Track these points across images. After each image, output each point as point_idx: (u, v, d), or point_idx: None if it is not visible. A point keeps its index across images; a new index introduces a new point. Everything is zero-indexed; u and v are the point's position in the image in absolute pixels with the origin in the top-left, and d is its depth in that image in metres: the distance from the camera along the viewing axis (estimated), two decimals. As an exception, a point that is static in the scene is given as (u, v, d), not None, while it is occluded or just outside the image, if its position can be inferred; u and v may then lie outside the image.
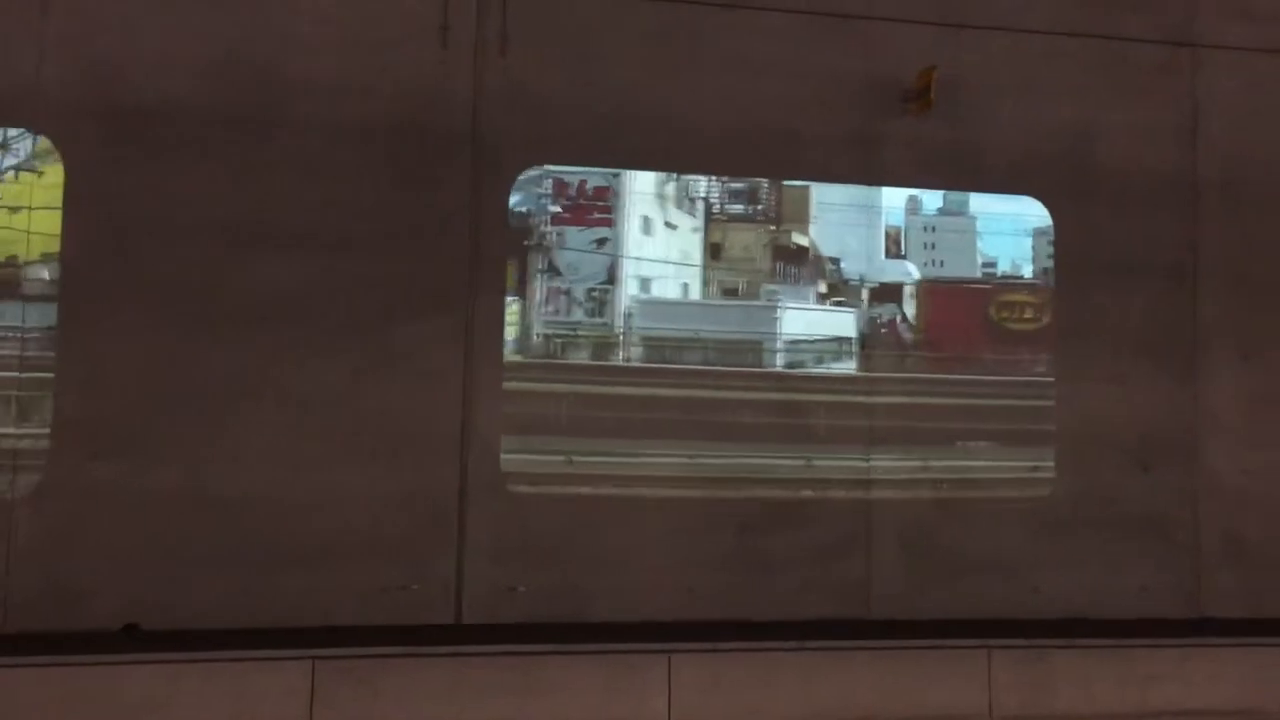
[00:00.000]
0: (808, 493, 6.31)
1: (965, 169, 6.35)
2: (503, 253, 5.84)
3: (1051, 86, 6.23)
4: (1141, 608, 6.03)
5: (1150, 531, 6.09)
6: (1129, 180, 6.20)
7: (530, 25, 5.75)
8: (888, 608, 5.91)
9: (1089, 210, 6.21)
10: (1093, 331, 6.18)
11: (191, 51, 5.47)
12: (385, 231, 5.57)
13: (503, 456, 5.70)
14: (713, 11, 5.98)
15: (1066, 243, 6.35)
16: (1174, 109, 6.27)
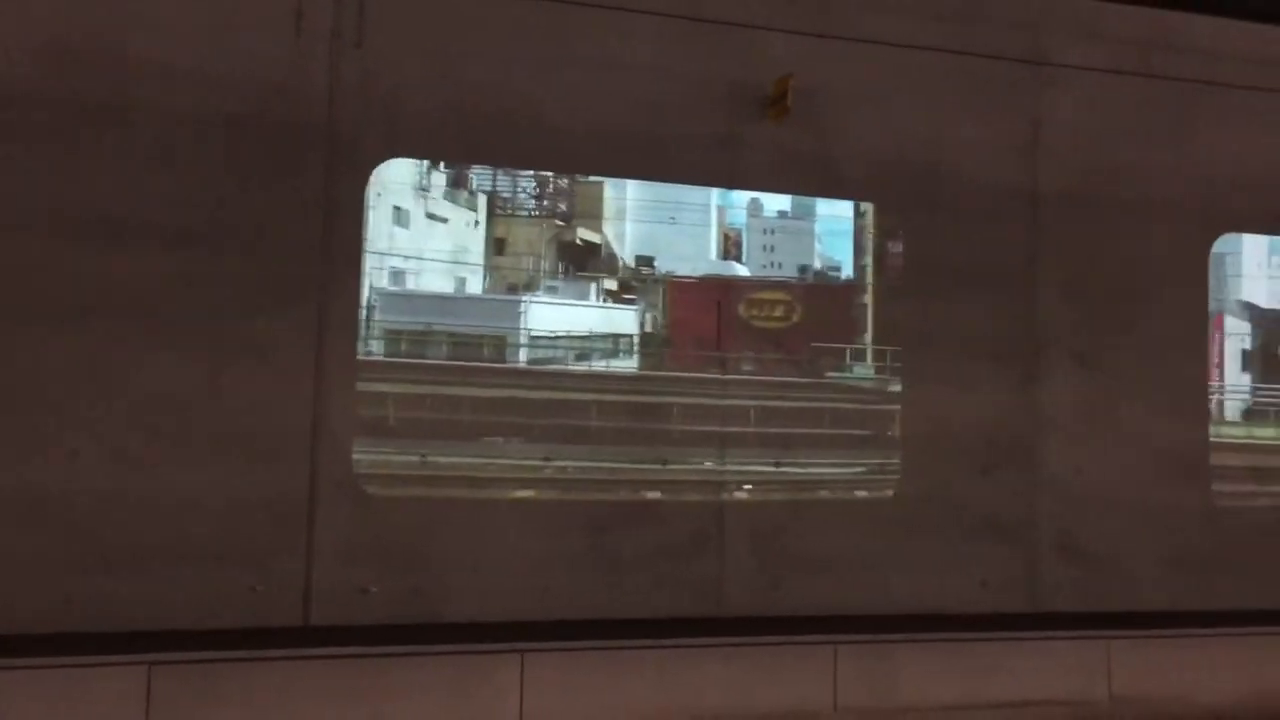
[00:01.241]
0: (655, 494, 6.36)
1: (822, 175, 6.48)
2: (358, 248, 5.73)
3: (905, 98, 6.39)
4: (982, 603, 6.23)
5: (991, 530, 6.30)
6: (975, 191, 6.40)
7: (388, 16, 5.64)
8: (739, 605, 6.00)
9: (936, 219, 6.40)
10: (938, 337, 6.37)
11: (25, 30, 5.21)
12: (233, 224, 5.40)
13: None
14: (579, 10, 5.96)
15: (915, 251, 6.54)
16: (1018, 124, 6.49)
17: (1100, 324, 6.53)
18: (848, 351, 27.43)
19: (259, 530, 5.33)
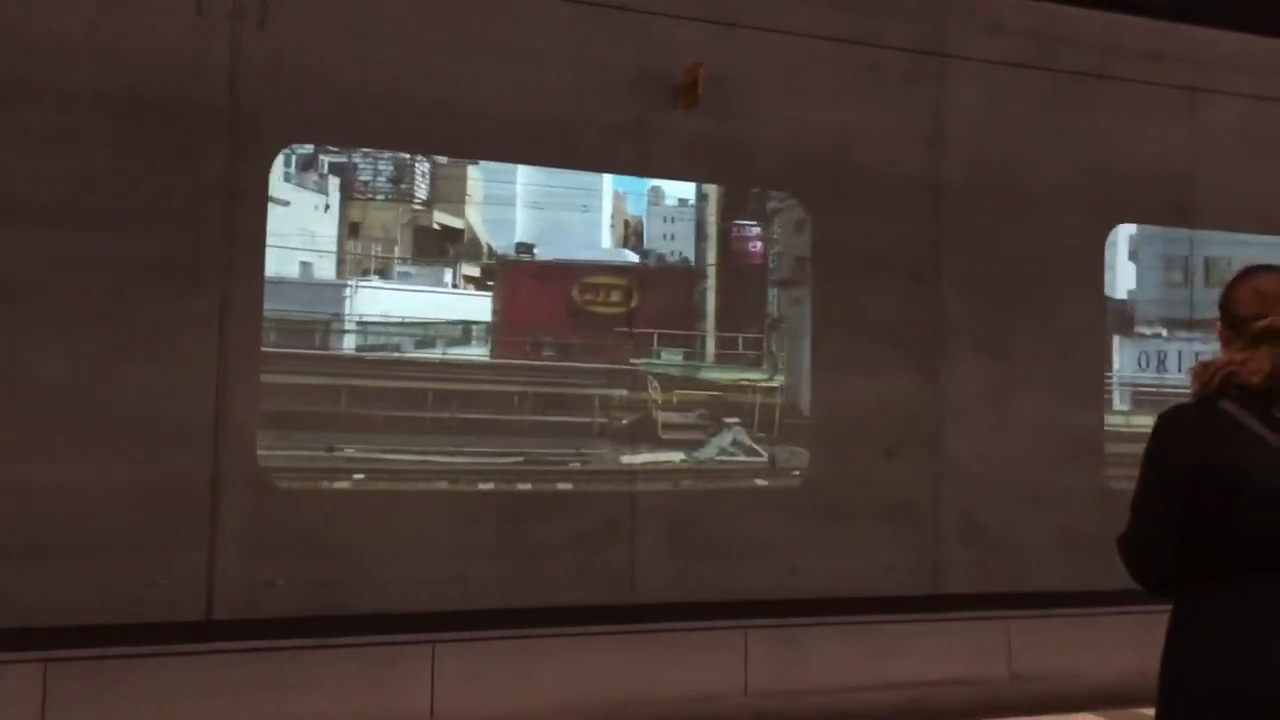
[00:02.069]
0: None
1: (732, 164, 6.53)
2: (261, 233, 5.61)
3: (813, 88, 6.46)
4: (887, 586, 6.36)
5: (896, 515, 6.43)
6: (881, 182, 6.51)
7: (293, -3, 5.54)
8: (652, 592, 6.03)
9: (844, 209, 6.49)
10: (845, 324, 6.47)
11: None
12: (133, 207, 5.24)
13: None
14: (493, -5, 5.93)
15: (823, 239, 6.63)
16: (923, 115, 6.61)
17: (1001, 312, 6.69)
18: (655, 337, 27.19)
19: (160, 523, 5.20)
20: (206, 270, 5.34)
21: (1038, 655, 6.33)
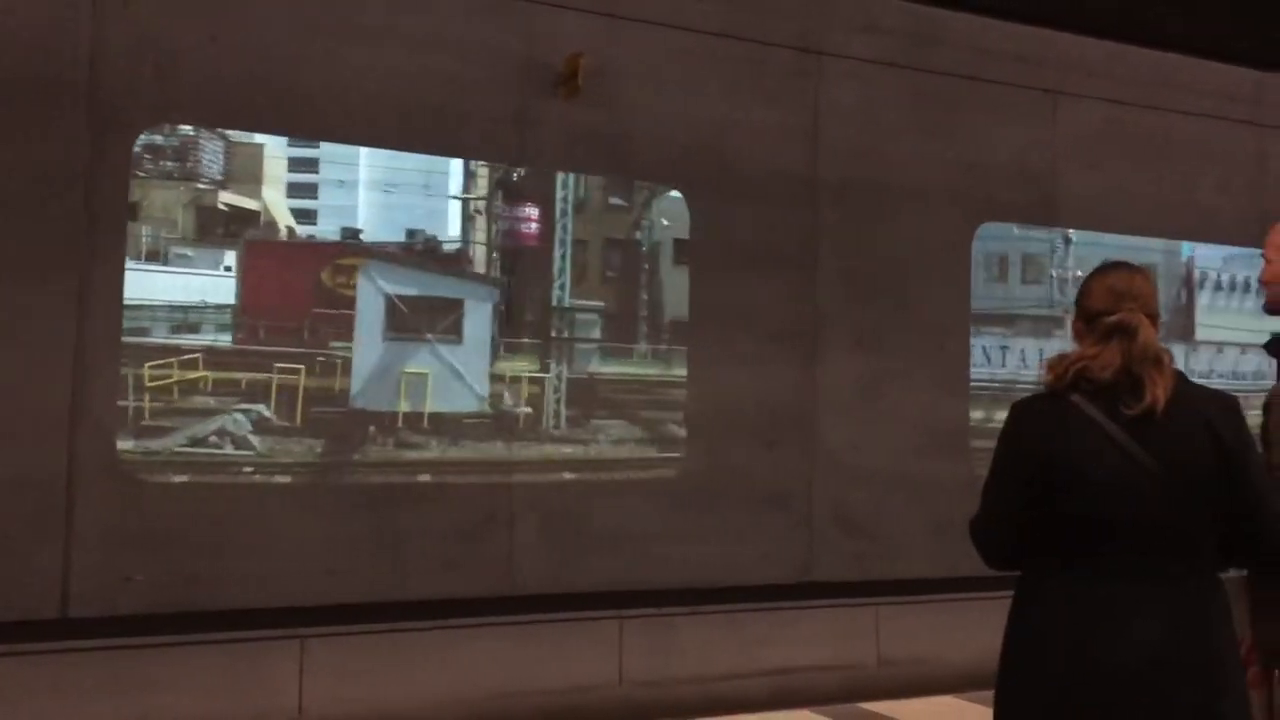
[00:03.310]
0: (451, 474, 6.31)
1: (615, 156, 6.53)
2: (123, 218, 5.42)
3: (695, 82, 6.50)
4: (761, 575, 6.45)
5: (771, 504, 6.52)
6: (760, 177, 6.59)
7: (158, -25, 5.35)
8: (529, 583, 6.01)
9: (724, 202, 6.55)
10: (723, 317, 6.54)
11: None
12: (-13, 188, 5.01)
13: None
14: (368, -21, 5.81)
15: (702, 232, 6.68)
16: (801, 112, 6.71)
17: (875, 306, 6.83)
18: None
19: (11, 518, 4.98)
20: (65, 255, 5.12)
21: (905, 640, 6.51)
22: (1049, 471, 2.65)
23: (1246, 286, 18.63)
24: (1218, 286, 19.70)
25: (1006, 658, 2.78)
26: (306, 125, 6.31)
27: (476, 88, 6.01)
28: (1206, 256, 17.96)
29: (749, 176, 6.58)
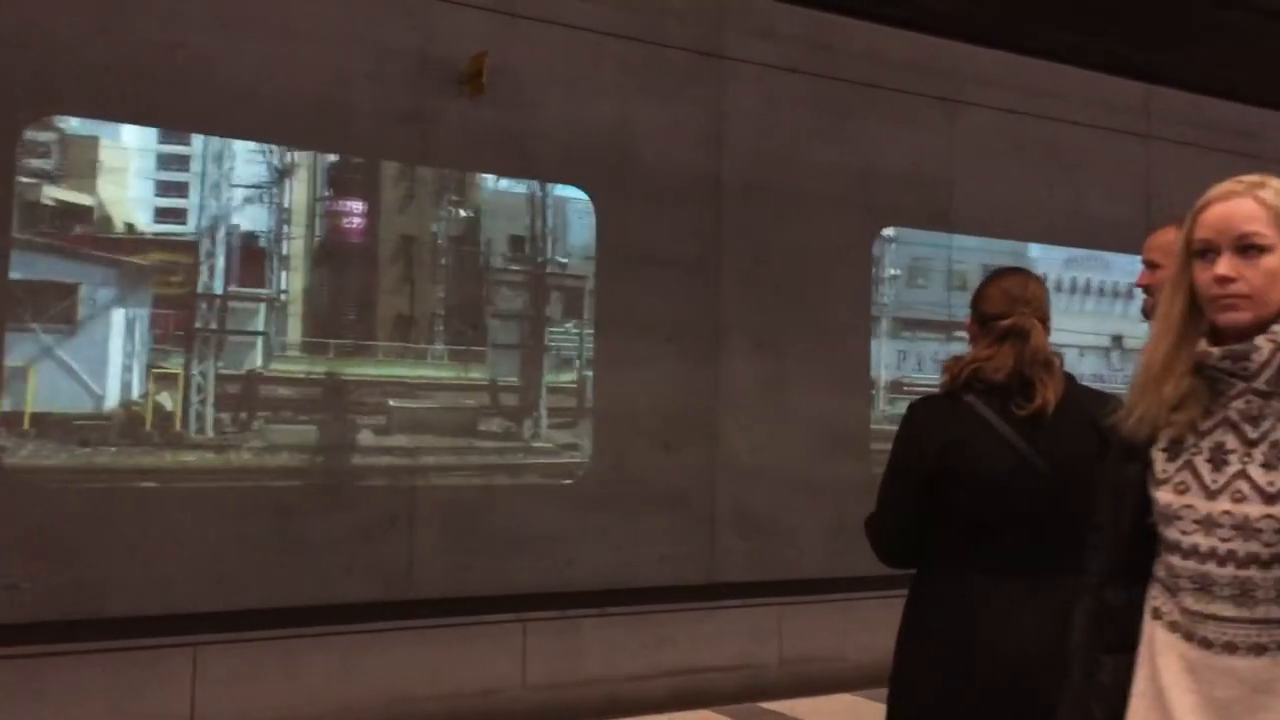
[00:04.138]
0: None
1: (517, 155, 6.48)
2: (8, 211, 5.22)
3: (598, 83, 6.50)
4: (664, 576, 6.47)
5: (673, 506, 6.55)
6: (663, 179, 6.61)
7: (41, -38, 5.16)
8: (430, 587, 5.95)
9: (627, 204, 6.56)
10: (627, 319, 6.54)
11: None
12: None
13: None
14: (262, -29, 5.68)
15: (606, 234, 6.68)
16: (703, 115, 6.76)
17: (776, 309, 6.91)
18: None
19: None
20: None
21: (806, 639, 6.59)
22: (944, 470, 2.72)
23: (1087, 288, 18.91)
24: (1058, 289, 20.14)
25: (901, 652, 2.85)
26: (192, 119, 6.16)
27: (371, 84, 5.93)
28: (1048, 259, 18.19)
29: (653, 178, 6.60)
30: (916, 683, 2.78)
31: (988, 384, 2.75)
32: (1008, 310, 2.82)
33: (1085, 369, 17.67)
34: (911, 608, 2.85)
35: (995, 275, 2.96)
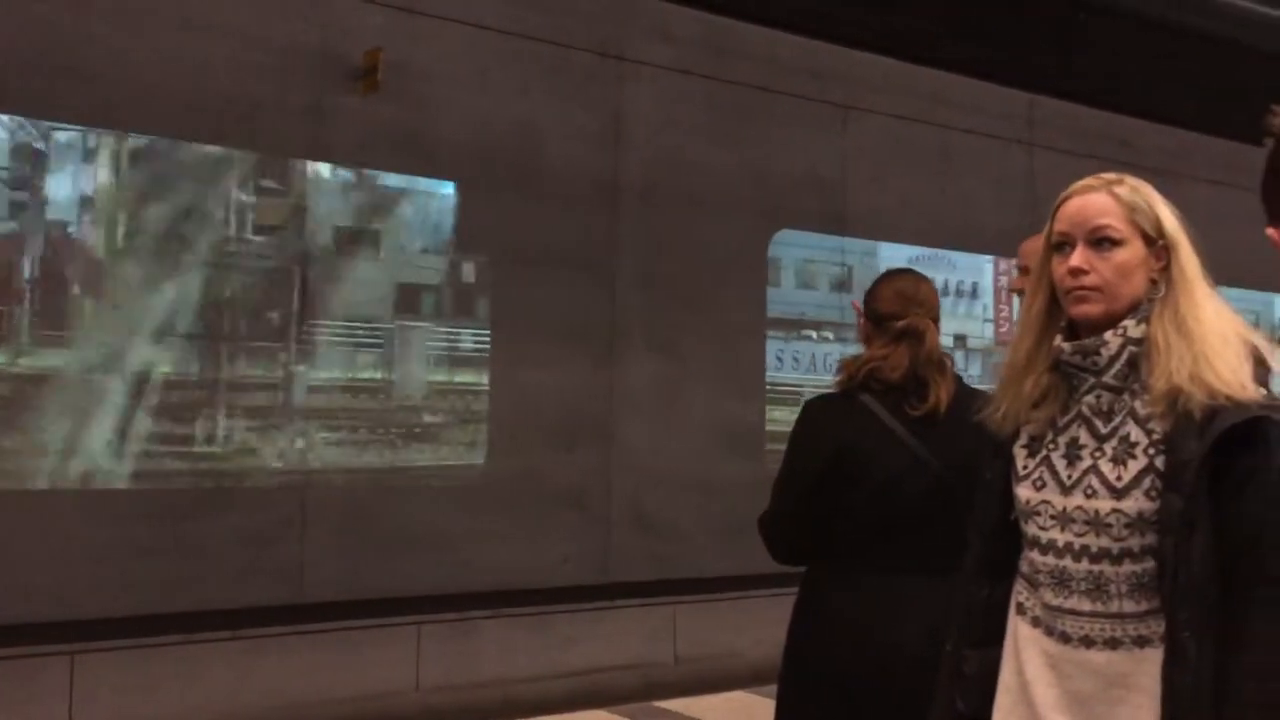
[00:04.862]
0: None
1: (414, 154, 6.42)
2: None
3: (498, 82, 6.46)
4: (563, 576, 6.47)
5: (572, 506, 6.55)
6: (561, 179, 6.61)
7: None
8: (323, 590, 5.85)
9: (525, 204, 6.54)
10: (525, 320, 6.52)
11: None
12: None
13: None
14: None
15: (504, 233, 6.65)
16: (603, 116, 6.77)
17: (673, 310, 6.95)
18: None
19: None
20: None
21: (702, 638, 6.65)
22: (839, 470, 2.76)
23: (942, 290, 19.05)
24: None
25: (794, 648, 2.88)
26: (84, 112, 5.97)
27: (266, 79, 5.81)
28: (891, 258, 18.09)
29: (551, 178, 6.59)
30: (806, 681, 2.82)
31: (884, 383, 2.80)
32: (902, 311, 2.86)
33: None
34: (802, 606, 2.88)
35: (887, 276, 3.01)
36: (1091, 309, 1.95)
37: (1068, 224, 1.99)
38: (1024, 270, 3.11)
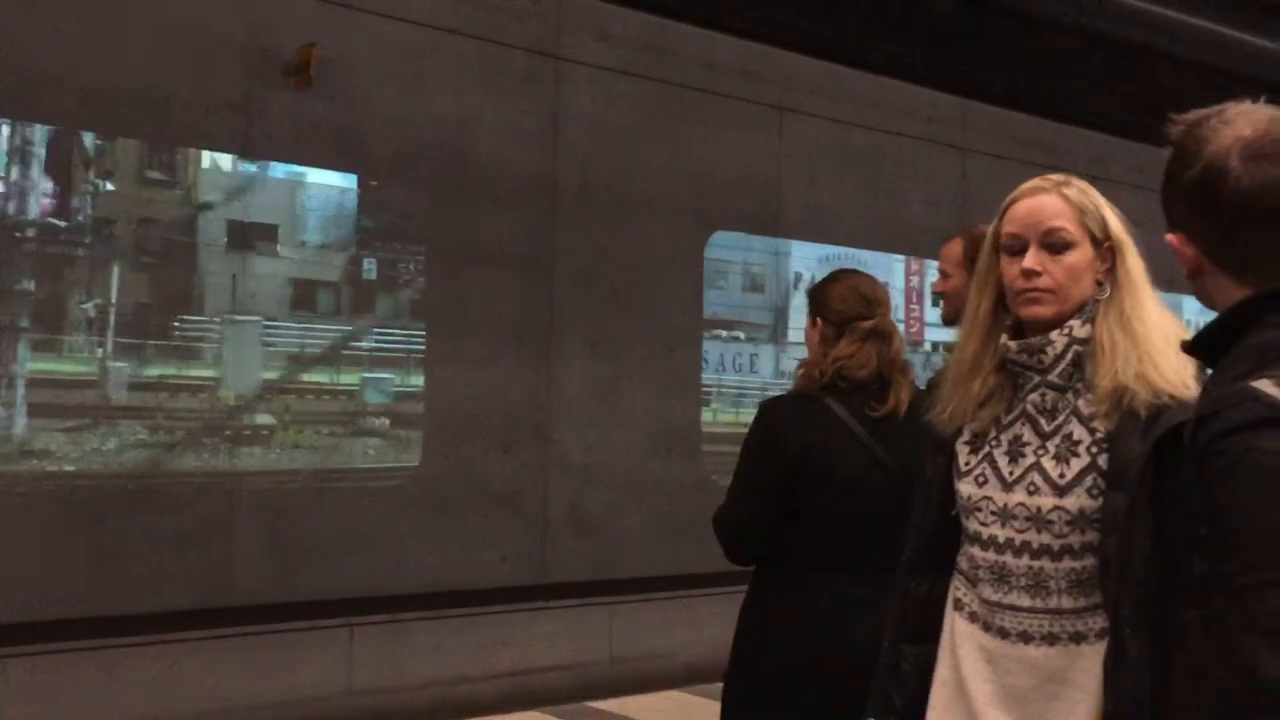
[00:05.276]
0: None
1: (348, 151, 6.35)
2: None
3: (433, 80, 6.41)
4: (498, 577, 6.42)
5: (508, 507, 6.51)
6: (498, 178, 6.56)
7: None
8: (253, 593, 5.75)
9: (461, 203, 6.49)
10: (462, 319, 6.47)
11: None
12: None
13: None
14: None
15: (439, 232, 6.60)
16: (540, 115, 6.74)
17: (609, 310, 6.94)
18: None
19: None
20: None
21: (637, 637, 6.65)
22: (802, 470, 2.75)
23: None
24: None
25: (743, 648, 2.87)
26: (18, 107, 5.83)
27: (194, 72, 5.70)
28: (804, 257, 17.54)
29: (487, 176, 6.54)
30: (757, 680, 2.81)
31: (849, 383, 2.79)
32: (866, 311, 2.87)
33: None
34: (753, 606, 2.87)
35: (840, 275, 3.00)
36: (1044, 310, 1.97)
37: (1020, 225, 1.99)
38: (944, 273, 3.15)
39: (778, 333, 17.08)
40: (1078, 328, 1.96)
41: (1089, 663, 1.89)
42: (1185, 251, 1.50)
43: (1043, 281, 1.96)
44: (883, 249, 9.62)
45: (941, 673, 2.05)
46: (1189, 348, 1.55)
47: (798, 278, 17.25)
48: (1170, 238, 1.52)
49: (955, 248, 3.26)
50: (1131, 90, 7.94)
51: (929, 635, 2.08)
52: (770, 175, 7.64)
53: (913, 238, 8.53)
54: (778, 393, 3.02)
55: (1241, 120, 1.47)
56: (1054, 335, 1.97)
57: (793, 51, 7.59)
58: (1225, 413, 1.35)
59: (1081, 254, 1.97)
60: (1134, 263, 2.00)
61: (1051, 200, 1.99)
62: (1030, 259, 1.96)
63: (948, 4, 7.01)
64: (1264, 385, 1.33)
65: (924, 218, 8.31)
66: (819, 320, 2.92)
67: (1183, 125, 1.51)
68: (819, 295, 2.96)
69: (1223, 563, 1.35)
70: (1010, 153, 8.39)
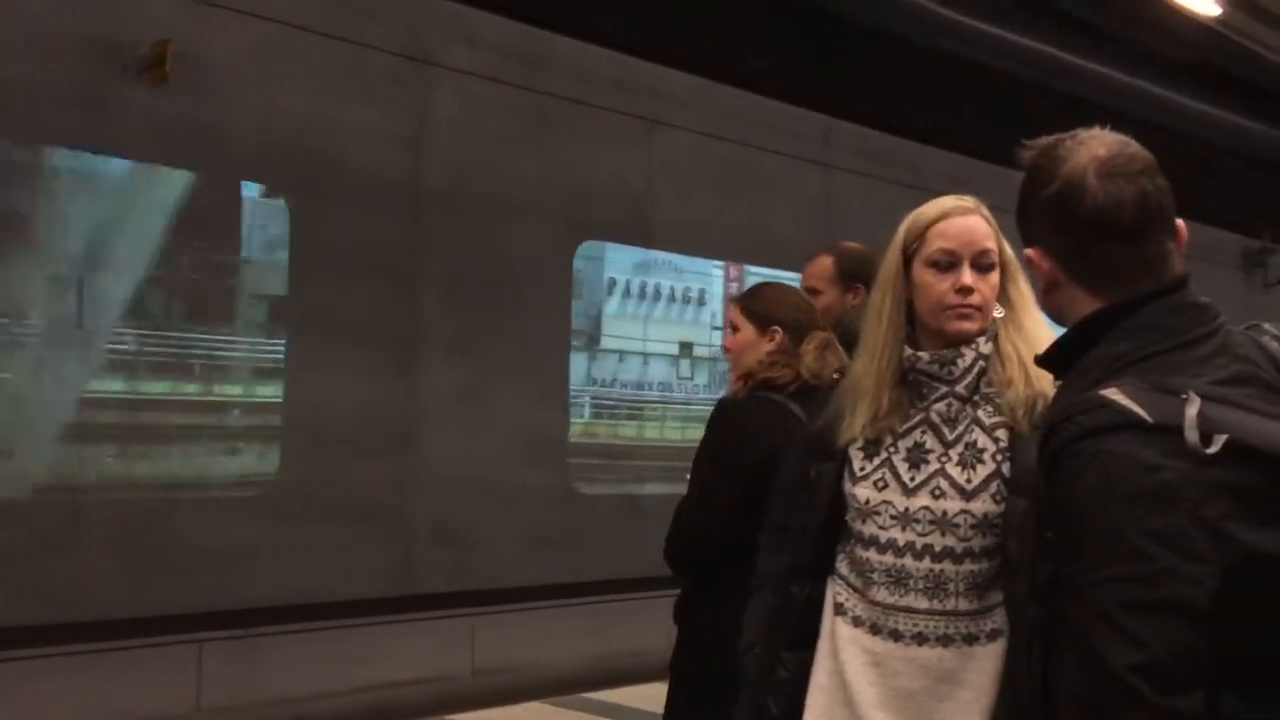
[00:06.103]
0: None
1: (206, 150, 6.15)
2: None
3: (293, 80, 6.24)
4: (359, 589, 6.27)
5: (370, 517, 6.37)
6: (362, 181, 6.43)
7: None
8: (96, 609, 5.49)
9: (323, 206, 6.35)
10: (322, 326, 6.32)
11: None
12: None
13: None
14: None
15: (300, 236, 6.44)
16: (404, 119, 6.64)
17: (476, 317, 6.87)
18: None
19: None
20: None
21: (500, 649, 6.57)
22: (769, 471, 2.72)
23: (656, 294, 18.06)
24: (626, 294, 17.76)
25: (687, 660, 2.83)
26: None
27: (40, 66, 5.45)
28: (617, 262, 16.69)
29: (352, 180, 6.41)
30: (706, 692, 2.73)
31: (807, 386, 2.80)
32: (813, 321, 2.92)
33: (653, 376, 16.82)
34: (706, 605, 2.82)
35: (781, 288, 3.07)
36: (972, 326, 2.05)
37: (956, 243, 2.06)
38: (811, 291, 3.20)
39: (591, 339, 16.52)
40: (983, 344, 2.06)
41: (981, 663, 1.95)
42: (1043, 265, 1.57)
43: (974, 299, 2.04)
44: (749, 262, 9.76)
45: (819, 679, 2.06)
46: (1041, 360, 1.60)
47: (611, 283, 17.19)
48: (1029, 252, 1.58)
49: (825, 263, 3.33)
50: (985, 111, 8.22)
51: (807, 640, 2.10)
52: (641, 187, 7.67)
53: (778, 251, 8.66)
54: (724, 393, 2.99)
55: (1094, 142, 1.54)
56: (965, 349, 2.05)
57: (663, 65, 7.64)
58: (1076, 418, 1.40)
59: (998, 275, 2.08)
60: (1024, 283, 2.10)
61: (980, 221, 2.09)
62: (969, 276, 2.04)
63: (811, 21, 7.15)
64: (1112, 393, 1.38)
65: (789, 232, 8.45)
66: (777, 330, 2.90)
67: (1036, 149, 1.59)
68: (773, 306, 2.95)
69: (1070, 563, 1.39)
70: (871, 170, 8.60)
